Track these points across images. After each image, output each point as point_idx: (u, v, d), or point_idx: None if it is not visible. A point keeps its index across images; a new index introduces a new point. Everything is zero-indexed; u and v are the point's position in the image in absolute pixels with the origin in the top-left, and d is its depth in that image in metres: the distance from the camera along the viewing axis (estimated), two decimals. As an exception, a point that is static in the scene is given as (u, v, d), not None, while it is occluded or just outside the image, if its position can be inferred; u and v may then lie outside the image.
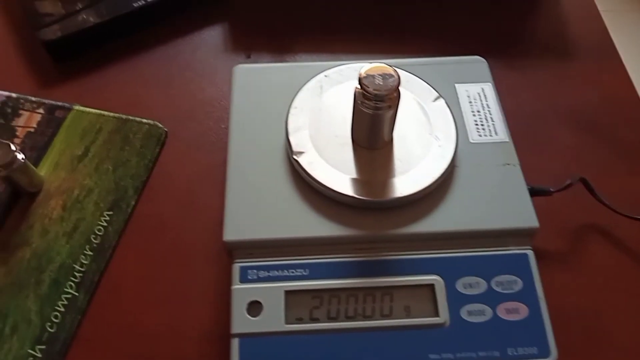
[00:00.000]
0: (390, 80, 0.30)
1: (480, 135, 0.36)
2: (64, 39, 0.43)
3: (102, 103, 0.42)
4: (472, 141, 0.35)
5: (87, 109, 0.41)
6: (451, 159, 0.33)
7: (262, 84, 0.38)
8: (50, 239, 0.35)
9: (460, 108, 0.37)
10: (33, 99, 0.41)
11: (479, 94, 0.37)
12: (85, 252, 0.35)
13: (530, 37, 0.48)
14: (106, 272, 0.35)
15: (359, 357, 0.30)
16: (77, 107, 0.41)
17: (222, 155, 0.40)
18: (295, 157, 0.33)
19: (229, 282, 0.34)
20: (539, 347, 0.30)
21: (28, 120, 0.40)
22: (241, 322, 0.30)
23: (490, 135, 0.36)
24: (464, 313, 0.31)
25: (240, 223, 0.32)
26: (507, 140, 0.35)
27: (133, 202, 0.37)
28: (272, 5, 0.49)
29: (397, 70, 0.30)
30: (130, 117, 0.41)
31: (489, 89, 0.38)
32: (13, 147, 0.35)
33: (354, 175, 0.33)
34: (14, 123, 0.40)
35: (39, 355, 0.31)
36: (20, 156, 0.35)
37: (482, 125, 0.36)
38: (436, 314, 0.31)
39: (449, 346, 0.30)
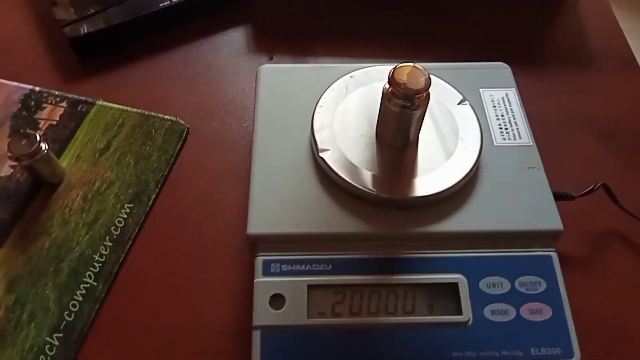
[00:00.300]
0: (421, 79, 0.30)
1: (504, 139, 0.36)
2: (89, 36, 0.43)
3: (124, 99, 0.42)
4: (496, 144, 0.36)
5: (110, 104, 0.41)
6: (476, 160, 0.33)
7: (287, 83, 0.38)
8: (70, 229, 0.35)
9: (484, 112, 0.37)
10: (57, 92, 0.42)
11: (503, 99, 0.38)
12: (105, 243, 0.35)
13: (551, 47, 0.48)
14: (125, 264, 0.34)
15: (381, 353, 0.30)
16: (100, 102, 0.41)
17: (243, 154, 0.41)
18: (320, 154, 0.33)
19: (249, 278, 0.34)
20: (563, 347, 0.30)
21: (51, 113, 0.41)
22: (263, 315, 0.30)
23: (514, 139, 0.36)
24: (487, 312, 0.31)
25: (264, 217, 0.32)
26: (531, 144, 0.35)
27: (154, 196, 0.37)
28: (294, 7, 0.50)
29: (425, 70, 0.31)
30: (153, 113, 0.41)
31: (512, 94, 0.38)
32: (38, 138, 0.35)
33: (379, 173, 0.33)
34: (37, 115, 0.40)
35: (56, 343, 0.31)
36: (44, 146, 0.35)
37: (506, 129, 0.36)
38: (459, 313, 0.30)
39: (472, 345, 0.30)
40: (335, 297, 0.31)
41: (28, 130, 0.35)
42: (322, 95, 0.36)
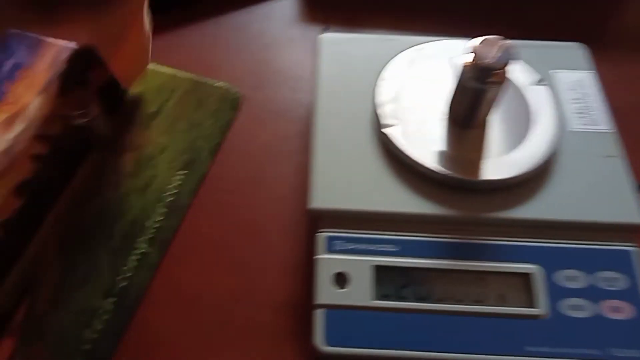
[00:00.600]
0: (506, 53, 0.28)
1: (580, 124, 0.34)
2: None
3: (176, 63, 0.40)
4: (571, 130, 0.33)
5: (162, 68, 0.40)
6: (553, 146, 0.31)
7: (349, 54, 0.36)
8: (122, 193, 0.34)
9: (559, 95, 0.35)
10: (107, 52, 0.40)
11: (579, 82, 0.35)
12: (158, 209, 0.33)
13: (626, 29, 0.45)
14: (179, 232, 0.33)
15: (448, 342, 0.28)
16: (151, 66, 0.40)
17: (297, 125, 0.39)
18: (384, 129, 0.32)
19: (304, 253, 0.33)
20: (645, 350, 0.28)
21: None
22: (326, 293, 0.28)
23: (592, 125, 0.34)
24: (563, 307, 0.29)
25: (327, 192, 0.30)
26: (610, 130, 0.33)
27: (207, 164, 0.36)
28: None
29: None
30: (204, 80, 0.40)
31: (589, 77, 0.36)
32: (91, 97, 0.33)
33: (448, 153, 0.31)
34: (86, 75, 0.39)
35: (110, 308, 0.30)
36: (96, 107, 0.34)
37: (581, 114, 0.34)
38: (534, 305, 0.29)
39: (547, 340, 0.28)
40: (401, 279, 0.29)
41: (81, 88, 0.34)
42: (385, 67, 0.34)
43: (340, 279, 0.29)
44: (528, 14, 0.46)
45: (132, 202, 0.34)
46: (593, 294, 0.29)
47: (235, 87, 0.40)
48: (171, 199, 0.34)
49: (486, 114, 0.32)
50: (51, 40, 0.41)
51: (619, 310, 0.29)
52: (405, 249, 0.30)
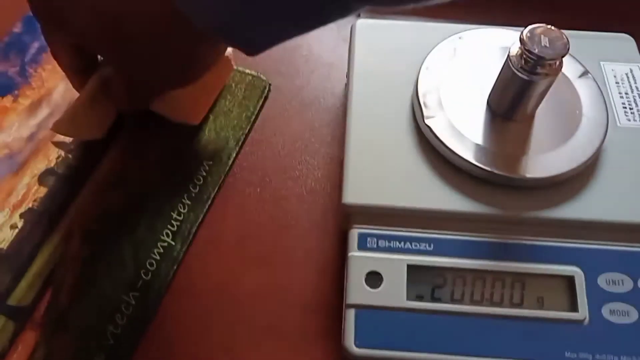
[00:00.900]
0: (559, 44, 0.26)
1: (629, 120, 0.32)
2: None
3: (203, 49, 0.39)
4: (619, 125, 0.32)
5: (189, 53, 0.39)
6: (601, 142, 0.30)
7: (387, 41, 0.34)
8: (146, 183, 0.33)
9: (607, 88, 0.33)
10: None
11: (627, 75, 0.34)
12: (183, 201, 0.33)
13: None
14: (204, 225, 0.32)
15: (484, 346, 0.27)
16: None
17: (328, 115, 0.37)
18: (426, 120, 0.30)
19: (334, 249, 0.32)
20: (692, 361, 0.27)
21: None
22: (358, 293, 0.27)
23: (640, 121, 0.32)
24: (605, 312, 0.27)
25: (361, 187, 0.29)
26: (660, 127, 0.31)
27: (234, 154, 0.35)
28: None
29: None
30: (234, 67, 0.38)
31: (638, 70, 0.34)
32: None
33: (490, 148, 0.29)
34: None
35: (133, 302, 0.29)
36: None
37: (630, 109, 0.32)
38: (575, 309, 0.27)
39: (588, 346, 0.27)
40: (436, 280, 0.28)
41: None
42: (427, 55, 0.33)
43: (373, 278, 0.28)
44: (574, 2, 0.43)
45: (157, 192, 0.33)
46: (637, 299, 0.28)
47: (264, 75, 0.39)
48: (197, 190, 0.33)
49: (534, 108, 0.30)
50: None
51: (665, 318, 0.27)
52: (441, 248, 0.28)
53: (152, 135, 0.35)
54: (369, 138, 0.31)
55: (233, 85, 0.37)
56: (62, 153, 0.34)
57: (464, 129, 0.30)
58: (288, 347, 0.29)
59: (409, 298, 0.27)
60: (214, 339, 0.29)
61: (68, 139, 0.35)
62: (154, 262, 0.30)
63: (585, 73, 0.32)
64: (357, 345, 0.27)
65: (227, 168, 0.34)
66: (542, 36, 0.27)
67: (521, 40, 0.27)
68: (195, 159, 0.34)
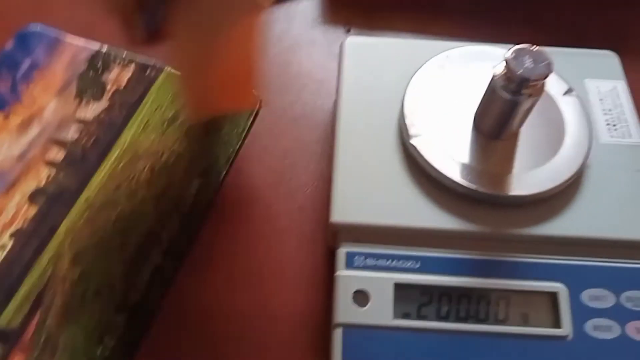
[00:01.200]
0: (543, 65, 0.27)
1: (612, 137, 0.32)
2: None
3: (193, 66, 0.40)
4: (602, 142, 0.32)
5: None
6: (584, 159, 0.30)
7: (375, 59, 0.35)
8: (137, 202, 0.33)
9: (591, 105, 0.33)
10: (125, 53, 0.40)
11: (611, 92, 0.34)
12: (173, 219, 0.33)
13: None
14: (194, 244, 0.33)
15: (470, 363, 0.27)
16: (169, 69, 0.39)
17: (318, 131, 0.38)
18: (411, 140, 0.31)
19: (323, 266, 0.32)
20: (673, 375, 0.27)
21: (119, 76, 0.38)
22: (347, 312, 0.28)
23: (624, 137, 0.32)
24: (589, 327, 0.28)
25: (349, 205, 0.30)
26: (643, 143, 0.32)
27: (224, 172, 0.35)
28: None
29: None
30: (223, 83, 0.39)
31: (621, 86, 0.34)
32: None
33: (475, 166, 0.30)
34: (104, 78, 0.38)
35: (122, 323, 0.29)
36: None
37: (614, 125, 0.33)
38: (558, 326, 0.28)
39: (572, 362, 0.27)
40: (422, 297, 0.28)
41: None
42: (414, 75, 0.33)
43: (360, 297, 0.28)
44: (557, 19, 0.44)
45: (148, 211, 0.33)
46: (620, 314, 0.28)
47: (255, 91, 0.39)
48: (187, 208, 0.33)
49: (518, 127, 0.31)
50: (70, 39, 0.41)
51: (647, 333, 0.28)
52: (428, 266, 0.29)
53: (143, 154, 0.35)
54: (357, 156, 0.31)
55: (223, 102, 0.38)
56: (53, 172, 0.34)
57: (449, 147, 0.30)
58: (278, 365, 0.30)
59: (395, 316, 0.28)
60: (205, 358, 0.30)
61: (59, 158, 0.35)
62: (144, 282, 0.31)
63: (569, 90, 0.33)
64: (345, 364, 0.27)
65: (217, 186, 0.35)
66: (526, 57, 0.27)
67: (505, 60, 0.27)
68: (184, 178, 0.34)
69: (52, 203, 0.33)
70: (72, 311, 0.29)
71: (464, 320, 0.28)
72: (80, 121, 0.36)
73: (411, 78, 0.33)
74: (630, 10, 0.45)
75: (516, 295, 0.29)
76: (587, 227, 0.29)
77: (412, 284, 0.28)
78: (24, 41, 0.40)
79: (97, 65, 0.39)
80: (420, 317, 0.28)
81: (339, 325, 0.27)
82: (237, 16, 0.28)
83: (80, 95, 0.38)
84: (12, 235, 0.32)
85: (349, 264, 0.29)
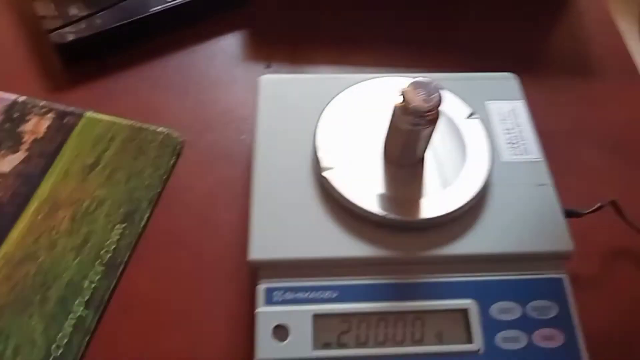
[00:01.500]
0: (434, 96, 0.29)
1: (513, 155, 0.34)
2: (77, 43, 0.41)
3: (115, 110, 0.40)
4: (504, 160, 0.34)
5: (100, 116, 0.39)
6: (485, 179, 0.32)
7: (289, 95, 0.36)
8: (57, 253, 0.33)
9: (491, 126, 0.36)
10: (42, 103, 0.39)
11: (511, 112, 0.36)
12: (96, 267, 0.33)
13: (552, 56, 0.47)
14: (117, 290, 0.33)
15: (391, 386, 0.28)
16: (88, 114, 0.39)
17: (241, 168, 0.39)
18: (324, 173, 0.32)
19: (249, 303, 0.33)
20: (577, 376, 0.29)
21: (36, 126, 0.38)
22: (266, 347, 0.28)
23: (523, 155, 0.34)
24: (498, 340, 0.29)
25: (266, 241, 0.30)
26: (540, 159, 0.34)
27: (147, 215, 0.35)
28: (291, 13, 0.48)
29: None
30: (145, 126, 0.39)
31: (520, 106, 0.37)
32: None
33: (385, 194, 0.31)
34: (21, 128, 0.38)
35: (45, 379, 0.29)
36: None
37: (514, 144, 0.35)
38: (470, 341, 0.29)
39: (485, 375, 0.29)
40: (342, 326, 0.29)
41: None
42: (325, 109, 0.34)
43: (280, 331, 0.29)
44: (465, 45, 0.47)
45: (69, 262, 0.33)
46: (526, 324, 0.30)
47: (178, 131, 0.40)
48: (109, 255, 0.33)
49: (421, 153, 0.33)
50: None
51: (551, 339, 0.29)
52: (345, 294, 0.30)
53: (63, 202, 0.35)
54: (273, 192, 0.32)
55: (145, 144, 0.38)
56: (-31, 229, 0.34)
57: (360, 177, 0.32)
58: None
59: (315, 347, 0.28)
60: (132, 405, 0.30)
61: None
62: (65, 335, 0.30)
63: (471, 114, 0.35)
64: (268, 400, 0.28)
65: (140, 229, 0.35)
66: (419, 90, 0.29)
67: (401, 93, 0.29)
68: (106, 224, 0.35)
69: (-32, 261, 0.33)
70: (-11, 373, 0.29)
71: (383, 344, 0.29)
72: (-4, 175, 0.36)
73: (322, 112, 0.34)
74: (533, 33, 0.48)
75: (430, 315, 0.30)
76: (493, 244, 0.31)
77: (331, 313, 0.29)
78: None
79: (13, 116, 0.39)
80: (340, 345, 0.29)
81: (259, 361, 0.28)
82: None
83: (-5, 147, 0.37)
84: None
85: (268, 300, 0.29)
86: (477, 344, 0.29)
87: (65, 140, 0.38)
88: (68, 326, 0.31)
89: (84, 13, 0.42)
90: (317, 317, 0.29)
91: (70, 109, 0.39)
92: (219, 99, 0.42)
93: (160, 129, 0.39)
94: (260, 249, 0.30)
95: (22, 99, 0.40)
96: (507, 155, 0.35)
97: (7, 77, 0.42)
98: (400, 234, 0.31)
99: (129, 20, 0.42)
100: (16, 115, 0.39)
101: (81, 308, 0.31)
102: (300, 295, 0.30)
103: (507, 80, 0.38)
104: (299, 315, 0.29)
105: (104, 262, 0.33)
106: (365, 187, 0.31)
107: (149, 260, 0.34)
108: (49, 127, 0.38)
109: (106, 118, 0.39)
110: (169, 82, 0.43)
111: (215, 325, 0.32)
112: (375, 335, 0.29)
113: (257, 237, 0.31)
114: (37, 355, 0.30)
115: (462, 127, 0.34)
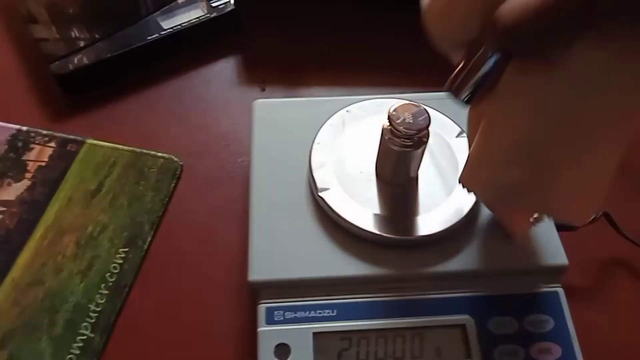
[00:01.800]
0: (421, 119, 0.30)
1: (504, 171, 0.35)
2: (76, 72, 0.42)
3: (115, 137, 0.41)
4: (496, 177, 0.35)
5: (101, 143, 0.40)
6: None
7: (283, 119, 0.37)
8: (63, 278, 0.34)
9: (482, 143, 0.37)
10: (44, 132, 0.41)
11: (500, 129, 0.37)
12: (101, 291, 0.34)
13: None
14: (123, 313, 0.33)
15: (391, 402, 0.29)
16: (90, 141, 0.40)
17: (240, 190, 0.40)
18: (320, 193, 0.33)
19: (251, 322, 0.33)
20: (574, 389, 0.29)
21: (39, 154, 0.39)
22: (269, 367, 0.29)
23: (514, 171, 0.35)
24: (496, 354, 0.30)
25: (266, 262, 0.31)
26: (532, 175, 0.35)
27: (149, 239, 0.36)
28: (285, 37, 0.49)
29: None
30: (145, 151, 0.40)
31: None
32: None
33: (381, 212, 0.32)
34: (24, 157, 0.39)
35: (53, 403, 0.30)
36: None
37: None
38: (468, 356, 0.30)
39: (483, 389, 0.29)
40: (342, 343, 0.30)
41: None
42: (318, 131, 0.35)
43: (282, 350, 0.29)
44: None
45: (75, 286, 0.34)
46: (523, 338, 0.30)
47: (176, 155, 0.41)
48: (114, 279, 0.34)
49: (413, 172, 0.33)
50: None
51: (548, 352, 0.30)
52: (344, 312, 0.31)
53: (68, 228, 0.36)
54: (271, 214, 0.33)
55: (146, 169, 0.39)
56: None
57: (355, 197, 0.33)
58: None
59: (316, 365, 0.29)
60: None
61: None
62: (73, 357, 0.31)
63: (461, 132, 0.36)
64: (270, 419, 0.28)
65: (144, 253, 0.36)
66: (405, 113, 0.30)
67: (389, 117, 0.30)
68: (111, 248, 0.35)
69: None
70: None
71: (382, 360, 0.30)
72: (1, 203, 0.37)
73: (316, 134, 0.35)
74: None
75: (429, 331, 0.31)
76: (488, 259, 0.32)
77: (330, 331, 0.30)
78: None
79: (17, 145, 0.40)
80: (341, 362, 0.30)
81: (262, 381, 0.29)
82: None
83: (1, 177, 0.38)
84: None
85: (269, 320, 0.30)
86: (476, 358, 0.30)
87: (68, 167, 0.39)
88: (76, 348, 0.31)
89: (84, 44, 0.43)
90: (317, 335, 0.30)
91: (72, 136, 0.40)
92: (216, 122, 0.43)
93: (160, 154, 0.40)
94: (260, 270, 0.31)
95: (25, 128, 0.41)
96: (499, 171, 0.36)
97: (9, 107, 0.43)
98: (397, 252, 0.32)
99: (126, 50, 0.43)
100: (20, 144, 0.40)
101: (88, 331, 0.32)
102: (300, 314, 0.31)
103: (497, 98, 0.39)
104: (300, 334, 0.30)
105: (109, 285, 0.34)
106: (361, 207, 0.32)
107: (153, 283, 0.35)
108: (52, 155, 0.39)
109: (107, 144, 0.40)
110: (166, 107, 0.44)
111: (219, 345, 0.33)
112: (375, 352, 0.30)
113: (256, 258, 0.31)
114: (45, 379, 0.30)
115: (453, 146, 0.35)
